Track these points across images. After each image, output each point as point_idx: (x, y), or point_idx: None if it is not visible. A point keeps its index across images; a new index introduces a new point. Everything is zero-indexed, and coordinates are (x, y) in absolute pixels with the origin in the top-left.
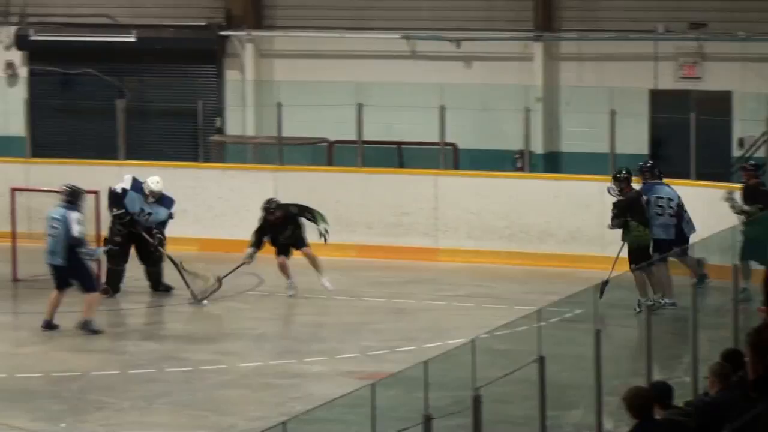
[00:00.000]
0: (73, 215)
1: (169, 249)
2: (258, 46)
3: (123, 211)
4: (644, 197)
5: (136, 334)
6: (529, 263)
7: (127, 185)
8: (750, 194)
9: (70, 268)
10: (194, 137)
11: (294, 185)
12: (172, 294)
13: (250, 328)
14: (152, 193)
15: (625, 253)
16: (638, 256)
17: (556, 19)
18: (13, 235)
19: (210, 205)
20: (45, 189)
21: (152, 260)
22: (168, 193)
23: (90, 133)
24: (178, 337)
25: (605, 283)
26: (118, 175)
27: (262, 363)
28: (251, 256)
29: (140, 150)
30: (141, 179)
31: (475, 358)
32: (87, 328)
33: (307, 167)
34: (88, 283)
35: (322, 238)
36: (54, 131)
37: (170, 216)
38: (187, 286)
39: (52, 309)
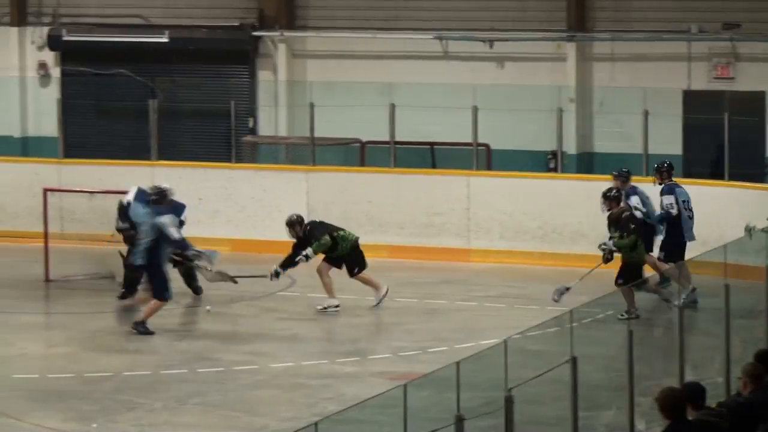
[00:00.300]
0: (165, 219)
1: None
2: (291, 46)
3: (127, 225)
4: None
5: (169, 335)
6: (562, 264)
7: (131, 197)
8: None
9: (149, 268)
10: (227, 138)
11: (326, 186)
12: (201, 298)
13: (282, 329)
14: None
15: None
16: (631, 275)
17: (589, 19)
18: (45, 236)
19: (242, 206)
20: (77, 189)
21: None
22: (179, 200)
23: (122, 134)
24: (210, 338)
25: (566, 289)
26: (150, 175)
27: (294, 363)
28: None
29: (172, 150)
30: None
31: (507, 359)
32: (140, 327)
33: (339, 168)
34: (158, 289)
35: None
36: (86, 132)
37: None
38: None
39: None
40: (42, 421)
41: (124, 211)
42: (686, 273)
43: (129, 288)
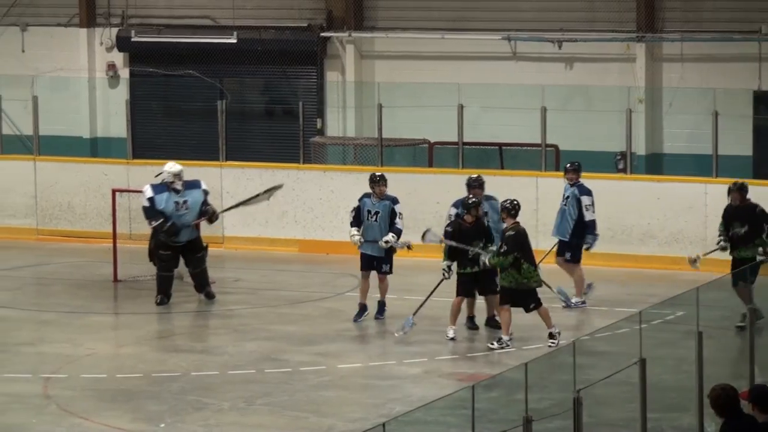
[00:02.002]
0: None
1: (270, 249)
2: (359, 47)
3: (161, 220)
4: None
5: (236, 335)
6: (630, 265)
7: (149, 194)
8: None
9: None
10: (295, 138)
11: (394, 187)
12: (215, 302)
13: (349, 330)
14: (176, 175)
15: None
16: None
17: (659, 19)
18: (114, 236)
19: (310, 207)
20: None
21: (195, 263)
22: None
23: (190, 135)
24: (277, 338)
25: (412, 324)
26: (218, 176)
27: (362, 364)
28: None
29: (240, 151)
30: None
31: (576, 360)
32: (383, 309)
33: (407, 168)
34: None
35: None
36: (154, 132)
37: (206, 192)
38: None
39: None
40: (110, 421)
41: (149, 209)
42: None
43: (163, 288)
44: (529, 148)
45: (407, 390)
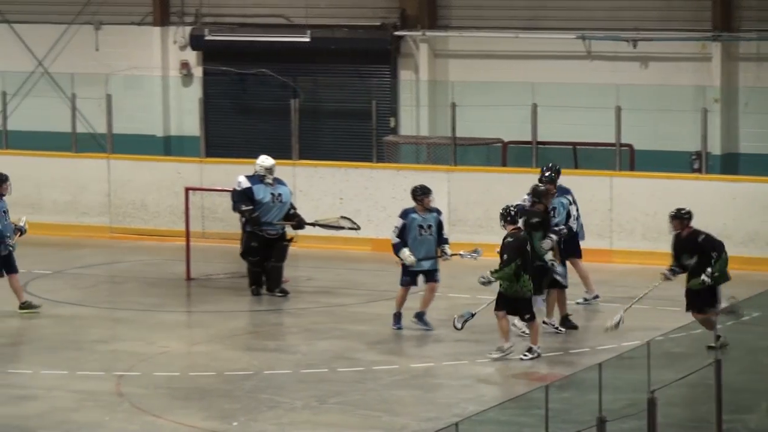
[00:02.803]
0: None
1: (343, 248)
2: (432, 46)
3: (251, 207)
4: None
5: (308, 334)
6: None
7: (246, 184)
8: None
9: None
10: (368, 137)
11: (468, 186)
12: (287, 300)
13: (421, 329)
14: (268, 170)
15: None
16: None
17: (735, 18)
18: (187, 235)
19: (383, 206)
20: (218, 189)
21: (278, 254)
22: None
23: (263, 133)
24: (350, 337)
25: (471, 315)
26: (291, 175)
27: (435, 364)
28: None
29: (313, 150)
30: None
31: (650, 361)
32: (421, 318)
33: (481, 168)
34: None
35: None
36: (227, 131)
37: (290, 192)
38: (337, 227)
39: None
40: (183, 419)
41: (243, 195)
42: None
43: (254, 282)
44: (603, 147)
45: (480, 390)
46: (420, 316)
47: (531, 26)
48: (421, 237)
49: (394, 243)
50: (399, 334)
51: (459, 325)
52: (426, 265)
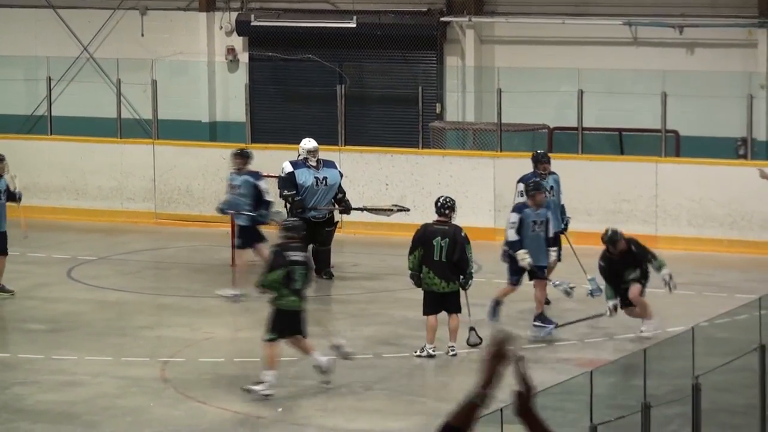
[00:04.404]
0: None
1: (388, 234)
2: (479, 32)
3: (294, 192)
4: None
5: (353, 320)
6: (751, 251)
7: (289, 168)
8: None
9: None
10: (414, 123)
11: (513, 172)
12: (332, 286)
13: (466, 314)
14: (310, 152)
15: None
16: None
17: None
18: (232, 221)
19: (429, 192)
20: (264, 174)
21: (324, 239)
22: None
23: (309, 119)
24: (395, 323)
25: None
26: (336, 160)
27: (479, 349)
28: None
29: (359, 136)
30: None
31: (695, 347)
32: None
33: (526, 153)
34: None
35: None
36: (273, 117)
37: (341, 174)
38: (386, 210)
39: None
40: (228, 405)
41: (287, 180)
42: None
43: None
44: (649, 133)
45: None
46: (539, 318)
47: (578, 12)
48: (533, 233)
49: (513, 240)
50: (444, 320)
51: (557, 283)
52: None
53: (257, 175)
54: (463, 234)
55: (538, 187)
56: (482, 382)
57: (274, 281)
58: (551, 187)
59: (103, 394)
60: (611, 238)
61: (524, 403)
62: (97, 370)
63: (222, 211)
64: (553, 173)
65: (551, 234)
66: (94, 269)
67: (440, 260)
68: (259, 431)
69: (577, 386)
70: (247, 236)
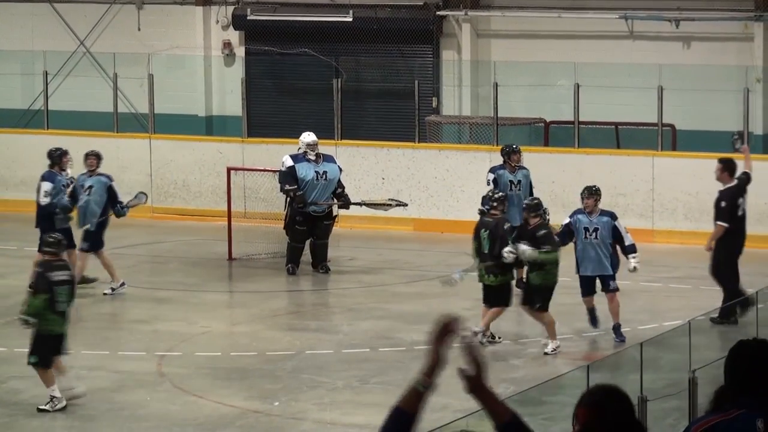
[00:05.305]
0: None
1: (384, 228)
2: (475, 26)
3: (295, 186)
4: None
5: (350, 314)
6: (747, 245)
7: (290, 162)
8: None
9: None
10: (410, 117)
11: None
12: (329, 280)
13: (464, 309)
14: (309, 146)
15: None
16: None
17: None
18: (229, 215)
19: (425, 186)
20: (260, 168)
21: (322, 232)
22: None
23: (305, 113)
24: (392, 317)
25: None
26: (333, 154)
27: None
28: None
29: (355, 130)
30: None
31: (691, 340)
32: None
33: (523, 147)
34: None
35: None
36: (270, 111)
37: (341, 169)
38: (385, 204)
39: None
40: (224, 399)
41: (287, 174)
42: None
43: (292, 259)
44: (645, 127)
45: (521, 370)
46: (615, 329)
47: (574, 6)
48: (587, 241)
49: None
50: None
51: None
52: (589, 270)
53: (110, 177)
54: (506, 227)
55: (593, 190)
56: (425, 369)
57: (38, 308)
58: (519, 181)
59: (99, 388)
60: (528, 205)
61: (476, 382)
62: (94, 364)
63: (69, 220)
64: (524, 168)
65: (628, 241)
66: (90, 263)
67: (486, 253)
68: (255, 425)
69: (574, 380)
70: (95, 241)
